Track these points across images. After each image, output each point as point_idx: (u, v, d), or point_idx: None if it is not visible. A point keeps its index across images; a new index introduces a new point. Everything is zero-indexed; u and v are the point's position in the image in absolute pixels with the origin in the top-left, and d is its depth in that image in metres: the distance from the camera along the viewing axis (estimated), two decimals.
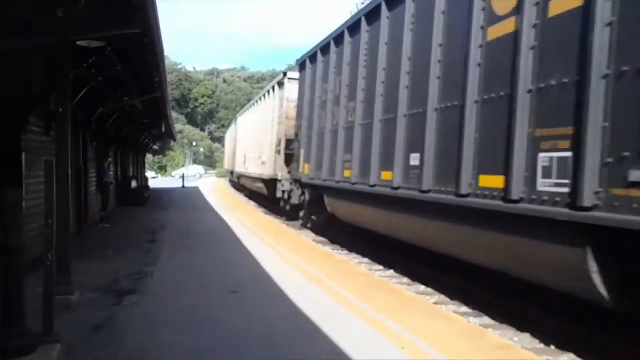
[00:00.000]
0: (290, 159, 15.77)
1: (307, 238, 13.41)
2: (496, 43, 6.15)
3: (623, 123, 4.44)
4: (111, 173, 17.91)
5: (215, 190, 35.18)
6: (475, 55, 6.46)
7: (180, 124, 78.80)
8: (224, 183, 45.58)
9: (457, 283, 7.98)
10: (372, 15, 9.80)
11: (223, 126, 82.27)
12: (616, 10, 4.56)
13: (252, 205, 23.99)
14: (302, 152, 14.07)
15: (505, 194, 5.70)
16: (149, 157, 53.80)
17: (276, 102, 17.73)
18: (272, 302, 6.53)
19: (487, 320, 6.64)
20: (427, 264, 9.00)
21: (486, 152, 6.23)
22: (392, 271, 9.54)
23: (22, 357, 4.07)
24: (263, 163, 19.55)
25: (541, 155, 5.27)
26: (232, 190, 35.42)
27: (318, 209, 13.35)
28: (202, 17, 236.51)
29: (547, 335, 5.85)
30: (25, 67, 7.26)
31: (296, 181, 14.92)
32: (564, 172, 4.97)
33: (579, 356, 5.37)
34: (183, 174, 46.30)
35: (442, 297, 7.72)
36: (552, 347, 5.64)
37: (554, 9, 5.30)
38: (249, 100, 34.11)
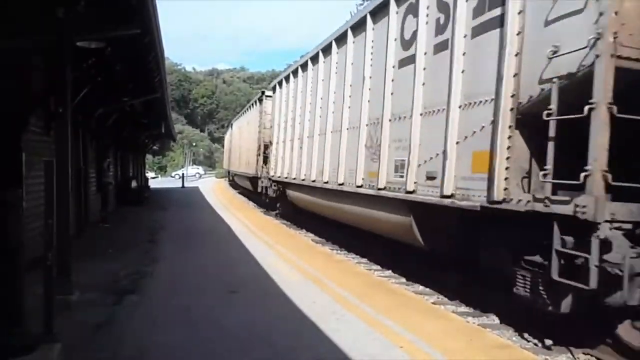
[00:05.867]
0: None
1: (305, 237, 13.45)
2: None
3: None
4: (111, 173, 17.93)
5: (214, 190, 35.17)
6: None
7: (179, 125, 78.68)
8: (224, 183, 45.53)
9: (456, 283, 7.98)
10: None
11: (222, 126, 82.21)
12: None
13: (251, 205, 23.99)
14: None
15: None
16: (149, 157, 53.80)
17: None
18: (271, 301, 6.56)
19: (485, 319, 6.66)
20: (426, 265, 9.00)
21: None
22: (390, 271, 9.56)
23: (22, 357, 4.08)
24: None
25: None
26: (232, 191, 35.39)
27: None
28: (202, 18, 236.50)
29: (546, 335, 5.86)
30: (26, 67, 7.27)
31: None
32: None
33: (577, 356, 5.39)
34: (183, 174, 46.39)
35: (441, 297, 7.75)
36: (551, 346, 5.66)
37: None
38: (248, 101, 36.03)
